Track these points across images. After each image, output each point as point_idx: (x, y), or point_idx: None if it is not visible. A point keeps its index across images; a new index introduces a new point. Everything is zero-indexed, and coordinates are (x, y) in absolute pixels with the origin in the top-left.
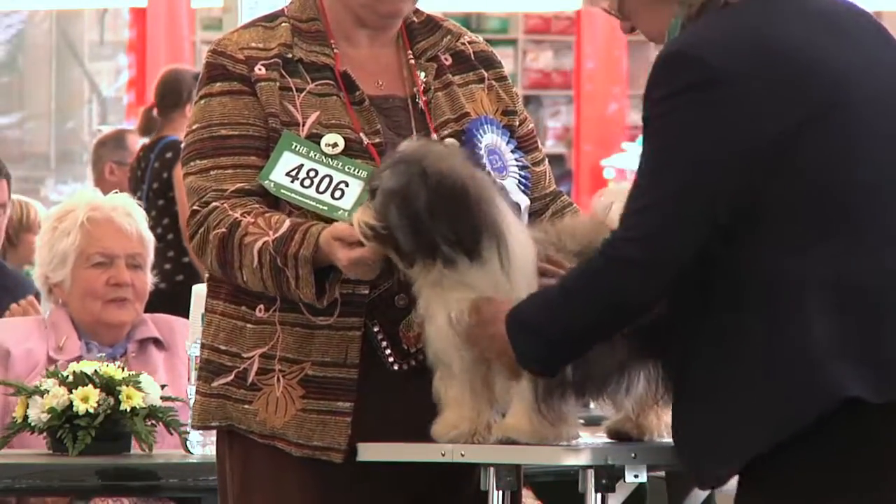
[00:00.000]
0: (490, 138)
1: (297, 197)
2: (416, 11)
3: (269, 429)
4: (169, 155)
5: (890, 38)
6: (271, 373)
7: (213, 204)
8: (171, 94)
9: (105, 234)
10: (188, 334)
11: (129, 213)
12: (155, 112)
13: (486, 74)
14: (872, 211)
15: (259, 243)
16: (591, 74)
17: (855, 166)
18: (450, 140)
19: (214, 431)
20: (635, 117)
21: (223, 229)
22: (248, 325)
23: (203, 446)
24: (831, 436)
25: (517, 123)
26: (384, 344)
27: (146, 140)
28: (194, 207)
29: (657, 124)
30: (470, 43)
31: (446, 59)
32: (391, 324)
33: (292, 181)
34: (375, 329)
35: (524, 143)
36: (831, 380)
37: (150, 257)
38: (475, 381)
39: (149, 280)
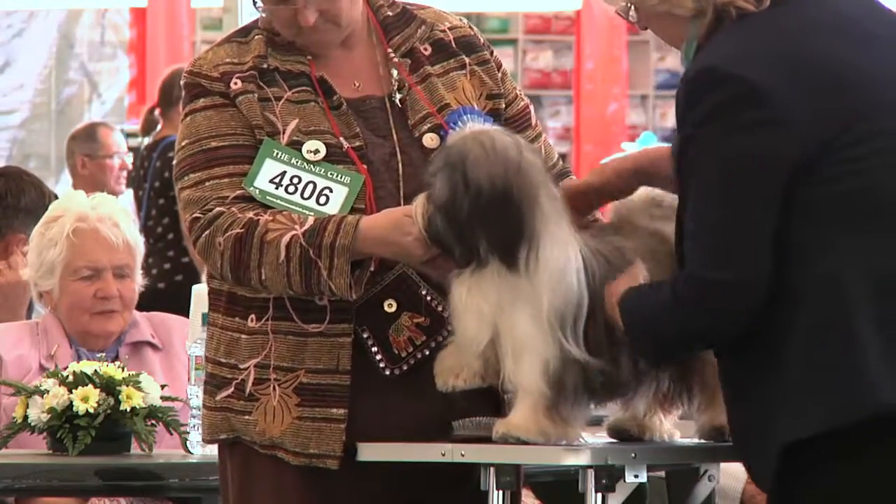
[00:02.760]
0: None
1: (282, 203)
2: (392, 4)
3: (269, 438)
4: (171, 154)
5: None
6: (267, 382)
7: (219, 209)
8: (174, 94)
9: (92, 247)
10: (187, 333)
11: (116, 223)
12: (157, 112)
13: (467, 60)
14: None
15: (287, 237)
16: (591, 74)
17: (891, 171)
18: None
19: None
20: (635, 117)
21: (239, 229)
22: (243, 336)
23: (203, 446)
24: (870, 446)
25: (504, 106)
26: (374, 349)
27: (148, 140)
28: (196, 215)
29: (700, 144)
30: (451, 29)
31: (425, 49)
32: (380, 329)
33: (276, 187)
34: (365, 335)
35: (514, 123)
36: (872, 387)
37: (139, 262)
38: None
39: (137, 284)
